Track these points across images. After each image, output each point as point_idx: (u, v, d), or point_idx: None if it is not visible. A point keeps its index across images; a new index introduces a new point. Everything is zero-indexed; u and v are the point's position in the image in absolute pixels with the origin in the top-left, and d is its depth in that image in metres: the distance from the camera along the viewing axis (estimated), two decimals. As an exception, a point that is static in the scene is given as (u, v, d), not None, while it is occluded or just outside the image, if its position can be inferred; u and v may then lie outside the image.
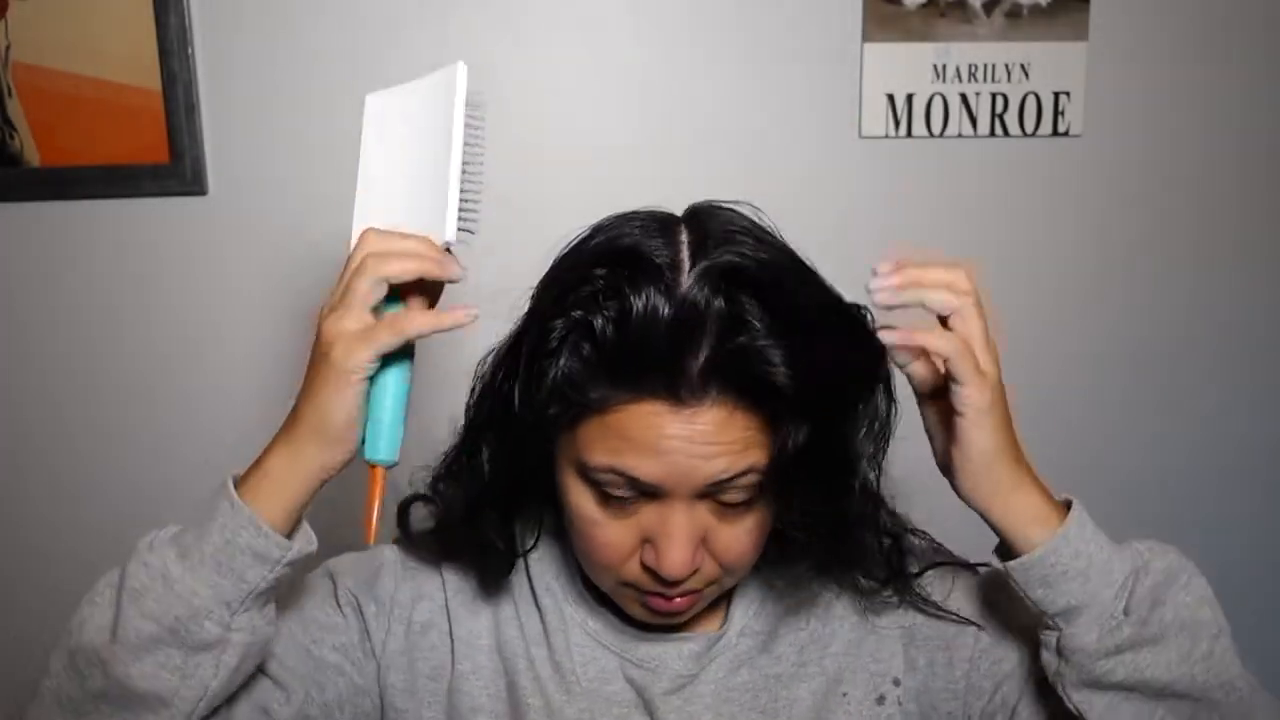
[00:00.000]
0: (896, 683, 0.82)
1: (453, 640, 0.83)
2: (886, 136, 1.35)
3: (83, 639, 0.68)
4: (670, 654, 0.81)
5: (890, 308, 0.69)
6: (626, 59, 1.32)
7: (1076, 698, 0.71)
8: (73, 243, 1.30)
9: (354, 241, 0.71)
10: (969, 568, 0.85)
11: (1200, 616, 0.71)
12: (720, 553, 0.74)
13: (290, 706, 0.76)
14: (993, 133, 1.37)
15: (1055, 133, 1.37)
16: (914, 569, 0.84)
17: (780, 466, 0.69)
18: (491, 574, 0.82)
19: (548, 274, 0.74)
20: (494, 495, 0.77)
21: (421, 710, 0.82)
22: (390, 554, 0.87)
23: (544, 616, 0.83)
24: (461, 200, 0.70)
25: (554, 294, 0.70)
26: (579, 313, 0.67)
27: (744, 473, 0.69)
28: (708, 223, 0.71)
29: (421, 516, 0.88)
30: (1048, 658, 0.73)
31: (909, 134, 1.35)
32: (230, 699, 0.73)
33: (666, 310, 0.65)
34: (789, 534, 0.75)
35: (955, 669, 0.82)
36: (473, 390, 0.77)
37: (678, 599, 0.75)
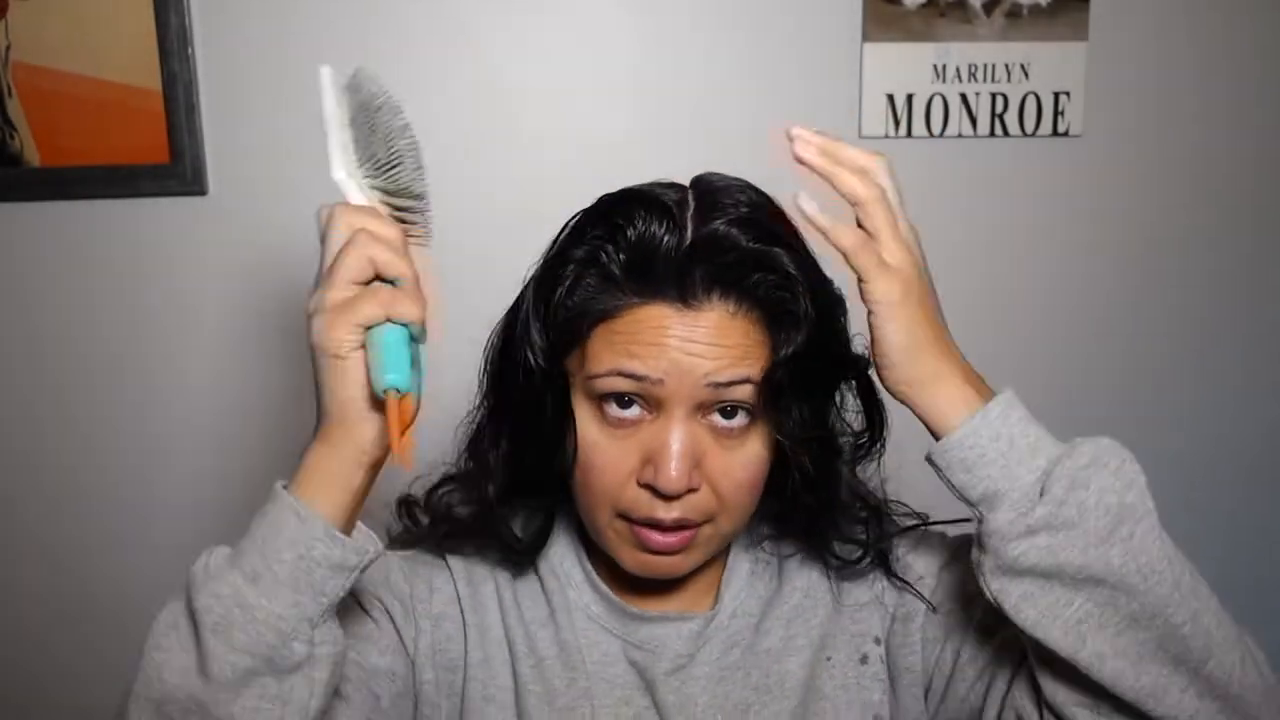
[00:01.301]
0: (878, 641, 0.84)
1: (466, 629, 0.84)
2: (886, 136, 1.35)
3: (168, 686, 0.63)
4: (670, 635, 0.82)
5: (801, 164, 0.70)
6: (625, 58, 1.32)
7: (994, 586, 0.68)
8: (73, 243, 1.30)
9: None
10: (930, 527, 0.87)
11: (1126, 500, 0.67)
12: (716, 478, 0.75)
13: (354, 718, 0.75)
14: (993, 133, 1.37)
15: (1055, 133, 1.38)
16: (889, 541, 0.86)
17: (775, 373, 0.73)
18: (513, 566, 0.84)
19: (556, 237, 0.79)
20: (519, 478, 0.79)
21: (440, 700, 0.82)
22: (390, 555, 0.87)
23: (550, 599, 0.84)
24: (399, 209, 0.67)
25: (565, 239, 0.76)
26: (594, 243, 0.73)
27: (740, 381, 0.72)
28: (711, 178, 0.77)
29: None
30: (973, 551, 0.71)
31: (909, 134, 1.35)
32: None
33: (674, 228, 0.71)
34: (782, 483, 0.78)
35: (912, 622, 0.84)
36: (484, 367, 0.80)
37: (671, 535, 0.75)
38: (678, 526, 0.76)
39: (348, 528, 0.66)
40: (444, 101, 1.30)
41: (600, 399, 0.75)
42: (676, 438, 0.73)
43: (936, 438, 0.71)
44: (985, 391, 0.72)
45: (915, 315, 0.70)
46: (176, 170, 1.27)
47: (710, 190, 0.75)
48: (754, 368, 0.74)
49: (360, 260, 0.63)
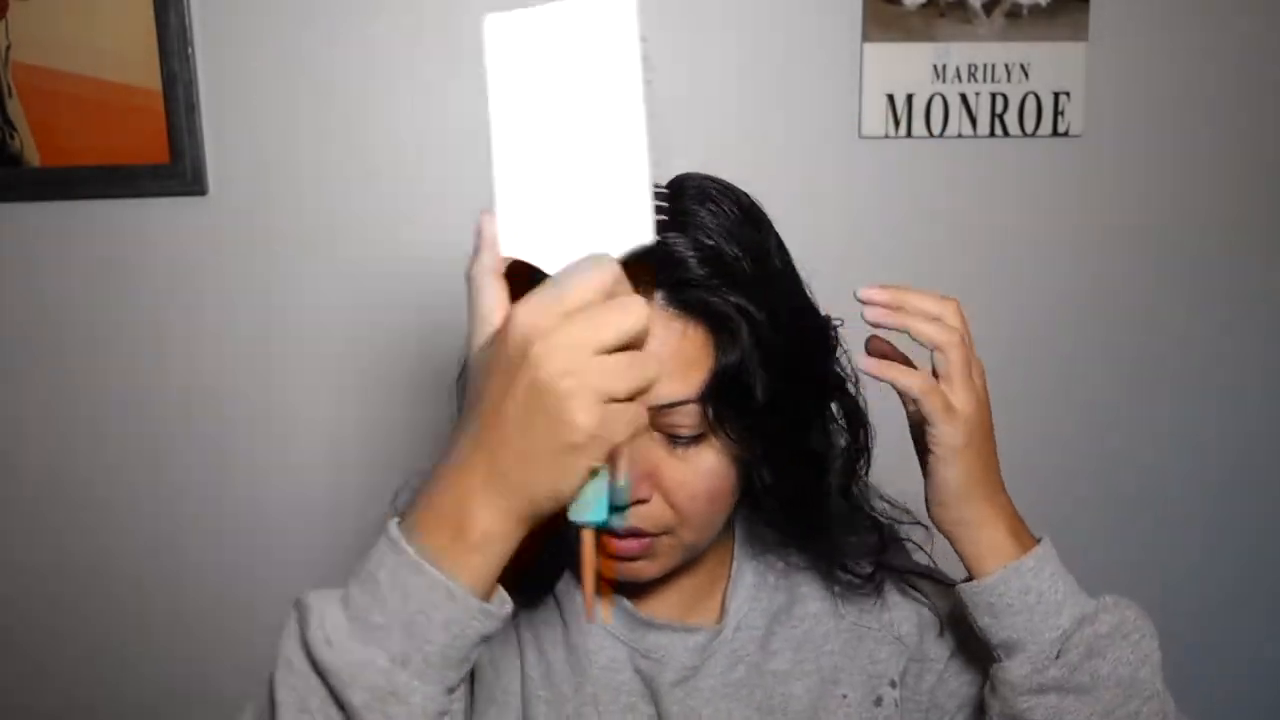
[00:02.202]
0: (894, 684, 0.84)
1: None
2: (886, 136, 1.35)
3: None
4: (677, 645, 0.81)
5: (878, 327, 0.71)
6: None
7: None
8: (72, 243, 1.30)
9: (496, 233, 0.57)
10: (950, 584, 0.85)
11: (1139, 676, 0.71)
12: (671, 490, 0.73)
13: None
14: (992, 133, 1.36)
15: (1055, 133, 1.37)
16: (895, 571, 0.85)
17: (715, 391, 0.69)
18: (533, 590, 0.80)
19: None
20: None
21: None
22: None
23: (559, 600, 0.83)
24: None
25: None
26: None
27: (678, 403, 0.69)
28: (689, 182, 0.73)
29: None
30: (985, 689, 0.76)
31: (909, 134, 1.35)
32: None
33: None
34: (757, 494, 0.75)
35: (924, 680, 0.84)
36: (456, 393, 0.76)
37: (629, 541, 0.73)
38: (631, 534, 0.74)
39: (490, 589, 0.57)
40: (449, 100, 1.29)
41: None
42: (623, 450, 0.69)
43: (969, 573, 0.74)
44: (1025, 539, 0.74)
45: (974, 461, 0.71)
46: (176, 170, 1.27)
47: (680, 194, 0.72)
48: (693, 386, 0.70)
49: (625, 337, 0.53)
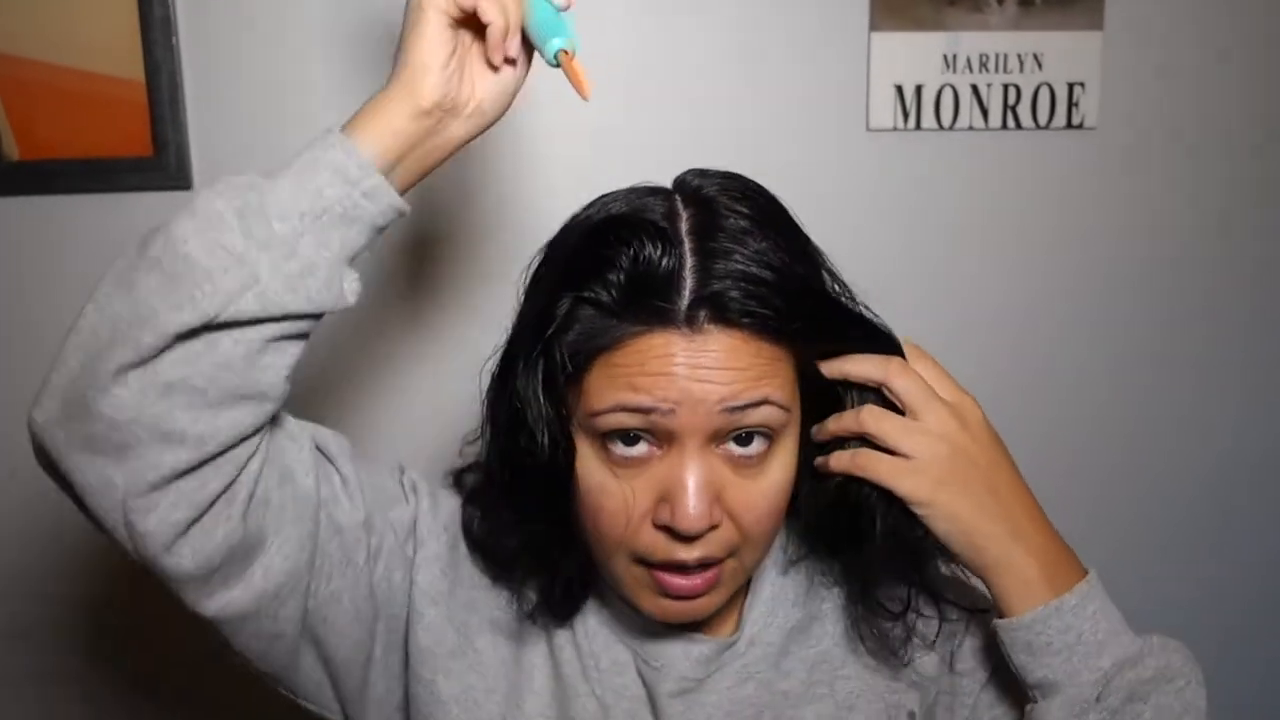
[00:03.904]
0: (912, 716, 0.80)
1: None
2: (895, 129, 1.32)
3: (155, 229, 0.65)
4: (678, 655, 0.78)
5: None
6: (624, 48, 1.28)
7: None
8: (53, 239, 1.27)
9: None
10: (985, 610, 0.81)
11: None
12: (739, 511, 0.70)
13: (354, 517, 0.73)
14: (1005, 125, 1.33)
15: (1070, 125, 1.34)
16: (930, 604, 0.81)
17: (805, 390, 0.71)
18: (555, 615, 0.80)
19: (539, 263, 0.74)
20: (536, 541, 0.76)
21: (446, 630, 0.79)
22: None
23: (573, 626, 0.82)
24: None
25: (551, 274, 0.71)
26: (583, 276, 0.68)
27: (759, 403, 0.68)
28: (694, 182, 0.72)
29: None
30: None
31: (918, 126, 1.32)
32: (294, 481, 0.70)
33: (669, 248, 0.66)
34: (803, 508, 0.75)
35: (955, 714, 0.81)
36: (485, 415, 0.76)
37: (696, 577, 0.71)
38: (701, 566, 0.71)
39: (388, 173, 0.67)
40: None
41: (604, 438, 0.70)
42: (693, 472, 0.68)
43: (1003, 609, 0.72)
44: (1064, 575, 0.71)
45: (961, 503, 0.70)
46: (160, 163, 1.23)
47: (700, 199, 0.71)
48: (771, 385, 0.69)
49: None
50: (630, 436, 0.69)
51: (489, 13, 0.67)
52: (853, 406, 0.74)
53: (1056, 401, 1.41)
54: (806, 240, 0.73)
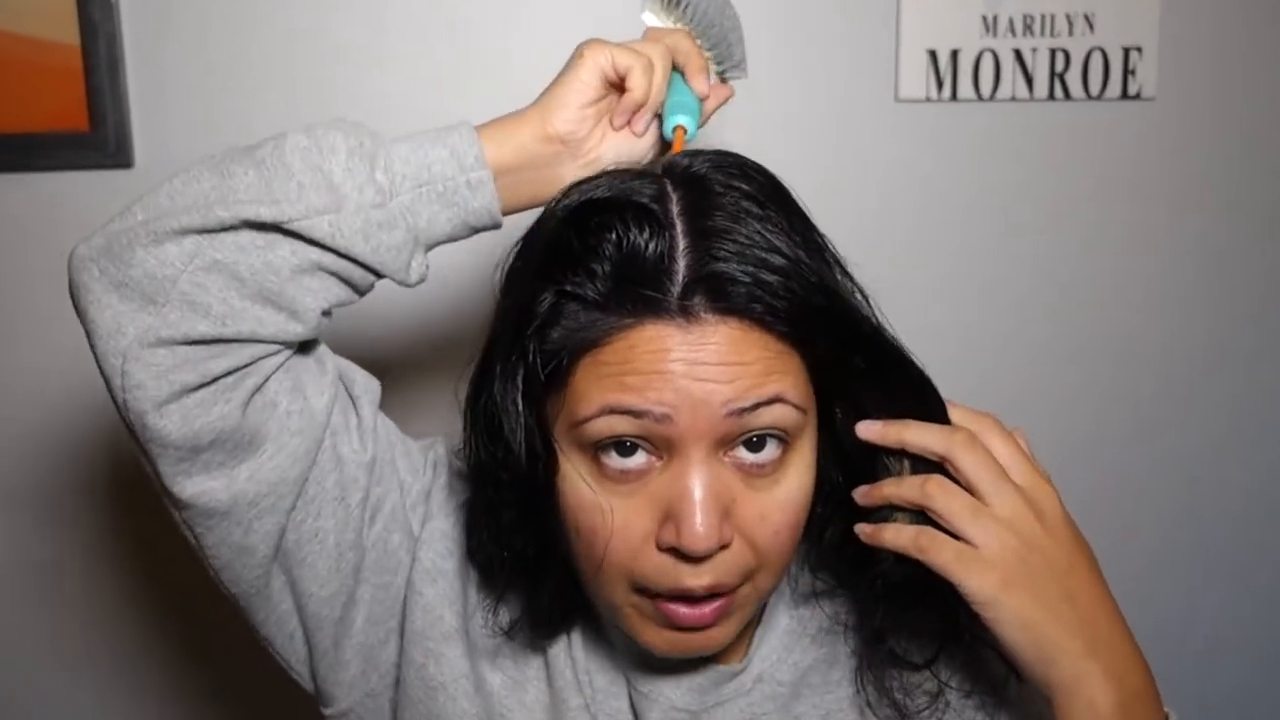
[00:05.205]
0: None
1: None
2: (927, 100, 1.27)
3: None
4: (668, 685, 0.75)
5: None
6: (639, 20, 1.22)
7: None
8: (-21, 222, 1.21)
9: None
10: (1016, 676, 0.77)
11: None
12: (752, 525, 0.66)
13: (359, 456, 0.74)
14: (1051, 95, 1.28)
15: (1124, 95, 1.29)
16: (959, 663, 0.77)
17: (821, 383, 0.68)
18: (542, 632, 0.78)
19: (515, 255, 0.72)
20: (533, 558, 0.73)
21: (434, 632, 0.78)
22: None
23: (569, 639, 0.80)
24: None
25: (529, 263, 0.69)
26: (566, 263, 0.65)
27: (769, 401, 0.64)
28: (688, 159, 0.69)
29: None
30: None
31: (954, 96, 1.27)
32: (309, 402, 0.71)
33: (659, 231, 0.64)
34: (822, 524, 0.73)
35: None
36: (465, 423, 0.73)
37: (705, 606, 0.67)
38: (711, 595, 0.67)
39: (498, 178, 0.71)
40: (388, 65, 1.19)
41: (596, 449, 0.65)
42: (698, 484, 0.64)
43: None
44: (1144, 708, 0.67)
45: (1031, 608, 0.66)
46: (97, 139, 1.16)
47: (692, 178, 0.67)
48: (782, 381, 0.64)
49: (664, 49, 0.77)
50: (626, 446, 0.65)
51: (634, 82, 0.74)
52: (891, 462, 0.71)
53: (1104, 395, 1.38)
54: (812, 227, 0.70)
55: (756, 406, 0.63)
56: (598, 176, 0.70)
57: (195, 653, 1.30)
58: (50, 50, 1.14)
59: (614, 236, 0.64)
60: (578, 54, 0.74)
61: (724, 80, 0.84)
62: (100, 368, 0.66)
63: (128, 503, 1.27)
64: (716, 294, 0.63)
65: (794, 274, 0.64)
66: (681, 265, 0.63)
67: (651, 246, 0.63)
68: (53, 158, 1.17)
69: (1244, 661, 1.44)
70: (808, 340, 0.66)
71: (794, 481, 0.68)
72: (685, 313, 0.63)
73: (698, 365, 0.62)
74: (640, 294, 0.63)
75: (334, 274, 0.67)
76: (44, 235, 1.19)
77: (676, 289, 0.63)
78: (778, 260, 0.64)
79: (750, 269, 0.63)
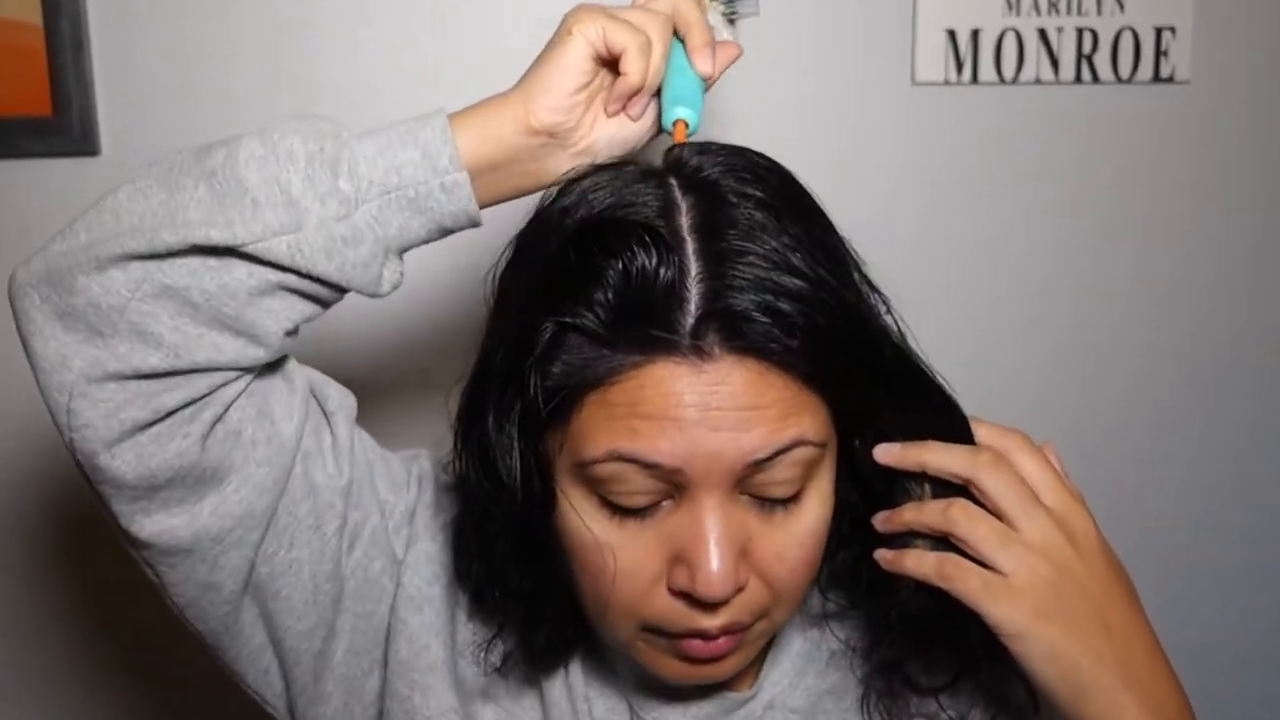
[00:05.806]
0: None
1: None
2: (946, 83, 1.23)
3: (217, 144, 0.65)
4: (674, 713, 0.74)
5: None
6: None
7: None
8: (-63, 214, 1.19)
9: None
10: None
11: None
12: (767, 566, 0.65)
13: (334, 481, 0.71)
14: (1079, 78, 1.25)
15: (1156, 78, 1.26)
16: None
17: (840, 410, 0.65)
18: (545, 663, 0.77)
19: (507, 265, 0.69)
20: (529, 591, 0.72)
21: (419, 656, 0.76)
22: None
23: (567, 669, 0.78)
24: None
25: (528, 289, 0.66)
26: (567, 290, 0.62)
27: (790, 446, 0.62)
28: (693, 161, 0.67)
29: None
30: None
31: (974, 79, 1.24)
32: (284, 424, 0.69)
33: (668, 255, 0.60)
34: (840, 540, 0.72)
35: None
36: (456, 444, 0.71)
37: (719, 639, 0.66)
38: (725, 632, 0.66)
39: (476, 177, 0.67)
40: (363, 50, 1.16)
41: (600, 486, 0.65)
42: (713, 527, 0.62)
43: None
44: None
45: (1060, 642, 0.64)
46: (61, 125, 1.14)
47: (703, 185, 0.65)
48: (802, 422, 0.62)
49: (664, 19, 0.70)
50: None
51: (629, 65, 0.68)
52: (911, 485, 0.70)
53: (1129, 395, 1.35)
54: (830, 230, 0.68)
55: (775, 455, 0.62)
56: (596, 174, 0.67)
57: (159, 685, 1.28)
58: (10, 30, 1.12)
59: (619, 264, 0.60)
60: (565, 29, 0.69)
61: (732, 21, 0.78)
62: (45, 403, 0.64)
63: (86, 528, 1.23)
64: (732, 332, 0.60)
65: (813, 299, 0.61)
66: (694, 295, 0.60)
67: (661, 274, 0.60)
68: (13, 145, 1.14)
69: None
70: (828, 376, 0.64)
71: (812, 513, 0.66)
72: (698, 351, 0.60)
73: (711, 412, 0.60)
74: (647, 327, 0.60)
75: (297, 292, 0.64)
76: (9, 223, 1.17)
77: (688, 324, 0.60)
78: (795, 284, 0.61)
79: (768, 298, 0.60)
